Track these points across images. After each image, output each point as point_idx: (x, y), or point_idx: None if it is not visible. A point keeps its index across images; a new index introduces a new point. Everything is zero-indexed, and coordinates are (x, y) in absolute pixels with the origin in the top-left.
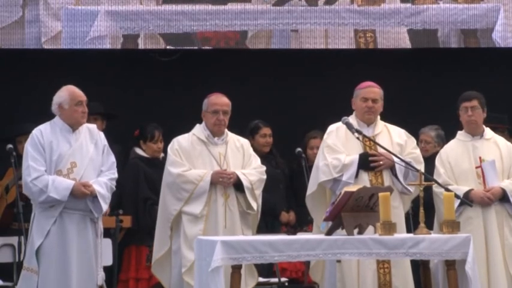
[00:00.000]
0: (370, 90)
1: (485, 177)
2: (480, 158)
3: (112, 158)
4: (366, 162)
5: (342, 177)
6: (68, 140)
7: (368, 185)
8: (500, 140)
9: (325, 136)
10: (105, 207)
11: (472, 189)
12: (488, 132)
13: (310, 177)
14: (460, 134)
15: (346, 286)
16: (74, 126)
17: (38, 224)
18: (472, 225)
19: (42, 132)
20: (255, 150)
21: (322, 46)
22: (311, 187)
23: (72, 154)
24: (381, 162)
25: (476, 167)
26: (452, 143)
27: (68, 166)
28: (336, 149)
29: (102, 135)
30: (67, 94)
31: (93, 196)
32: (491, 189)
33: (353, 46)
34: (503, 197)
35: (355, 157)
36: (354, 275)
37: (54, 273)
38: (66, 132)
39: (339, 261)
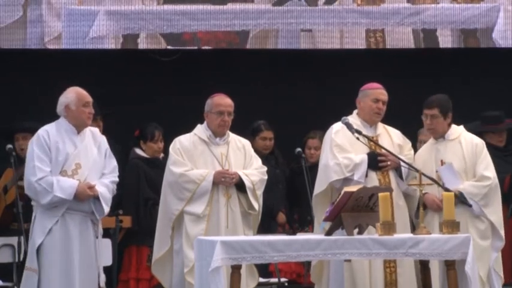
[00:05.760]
0: (382, 92)
1: (442, 180)
2: (442, 161)
3: (114, 162)
4: (374, 162)
5: (353, 176)
6: (73, 141)
7: (377, 184)
8: (467, 138)
9: (333, 135)
10: (106, 209)
11: (426, 193)
12: (452, 132)
13: (318, 177)
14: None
15: (357, 285)
16: (79, 128)
17: (40, 223)
18: (431, 231)
19: (48, 132)
20: (255, 151)
21: (323, 46)
22: (320, 186)
23: (77, 155)
24: (389, 163)
25: (437, 171)
26: (423, 146)
27: (72, 167)
28: (345, 148)
29: (104, 138)
30: (74, 95)
31: (96, 197)
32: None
33: (354, 46)
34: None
35: (364, 156)
36: (365, 274)
37: (57, 273)
38: (71, 134)
39: (348, 260)
